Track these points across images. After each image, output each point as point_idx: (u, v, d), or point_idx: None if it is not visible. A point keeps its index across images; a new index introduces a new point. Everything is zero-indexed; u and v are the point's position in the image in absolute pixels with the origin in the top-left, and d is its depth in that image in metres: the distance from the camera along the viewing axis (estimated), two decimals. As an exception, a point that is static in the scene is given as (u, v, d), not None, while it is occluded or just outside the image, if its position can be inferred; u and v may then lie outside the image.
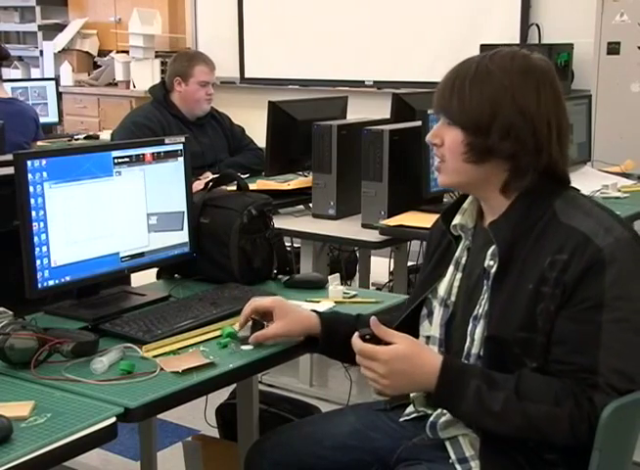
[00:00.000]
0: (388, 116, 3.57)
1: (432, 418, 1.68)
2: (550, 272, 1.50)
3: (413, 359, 1.52)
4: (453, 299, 1.70)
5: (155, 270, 2.36)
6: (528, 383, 1.48)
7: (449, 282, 1.71)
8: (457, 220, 1.71)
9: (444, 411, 1.63)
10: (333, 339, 1.83)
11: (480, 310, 1.59)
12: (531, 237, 1.55)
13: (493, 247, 1.60)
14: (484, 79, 1.56)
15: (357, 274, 4.38)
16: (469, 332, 1.61)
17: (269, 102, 3.48)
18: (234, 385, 2.38)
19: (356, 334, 1.55)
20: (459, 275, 1.71)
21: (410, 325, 1.76)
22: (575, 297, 1.48)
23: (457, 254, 1.72)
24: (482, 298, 1.60)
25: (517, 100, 1.55)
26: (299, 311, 1.90)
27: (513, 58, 1.59)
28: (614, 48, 4.61)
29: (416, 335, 1.74)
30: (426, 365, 1.52)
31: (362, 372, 1.55)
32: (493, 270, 1.58)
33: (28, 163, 1.86)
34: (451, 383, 1.50)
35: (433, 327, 1.72)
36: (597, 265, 1.47)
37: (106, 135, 5.40)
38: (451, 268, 1.72)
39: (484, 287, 1.60)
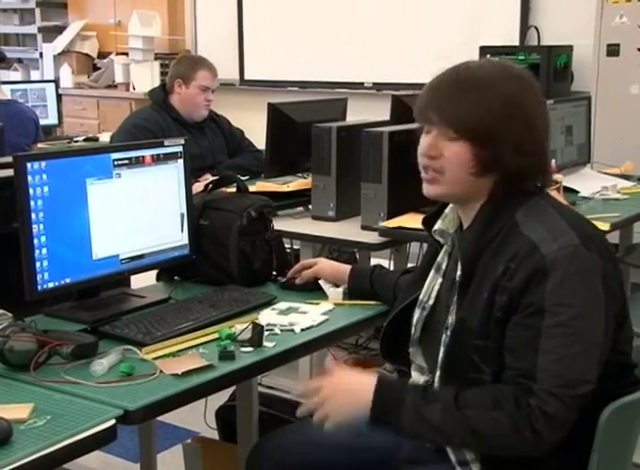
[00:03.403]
0: (387, 117, 3.56)
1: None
2: (501, 280, 1.51)
3: (352, 373, 1.60)
4: (431, 302, 1.74)
5: (154, 272, 2.36)
6: (467, 392, 1.49)
7: (429, 286, 1.75)
8: (437, 226, 1.74)
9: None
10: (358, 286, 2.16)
11: (450, 321, 1.61)
12: (492, 248, 1.56)
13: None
14: (487, 90, 1.55)
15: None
16: (442, 342, 1.62)
17: (269, 104, 3.47)
18: (234, 387, 2.38)
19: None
20: (439, 280, 1.73)
21: (400, 326, 1.79)
22: (521, 304, 1.49)
23: (439, 258, 1.75)
24: (453, 308, 1.62)
25: (525, 110, 1.55)
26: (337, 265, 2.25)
27: (504, 68, 1.59)
28: (613, 50, 4.60)
29: (405, 337, 1.78)
30: (363, 380, 1.56)
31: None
32: (458, 280, 1.61)
33: (28, 165, 1.86)
34: (388, 400, 1.52)
35: (412, 327, 1.76)
36: (539, 273, 1.47)
37: (105, 137, 5.40)
38: (432, 272, 1.75)
39: (455, 296, 1.62)
